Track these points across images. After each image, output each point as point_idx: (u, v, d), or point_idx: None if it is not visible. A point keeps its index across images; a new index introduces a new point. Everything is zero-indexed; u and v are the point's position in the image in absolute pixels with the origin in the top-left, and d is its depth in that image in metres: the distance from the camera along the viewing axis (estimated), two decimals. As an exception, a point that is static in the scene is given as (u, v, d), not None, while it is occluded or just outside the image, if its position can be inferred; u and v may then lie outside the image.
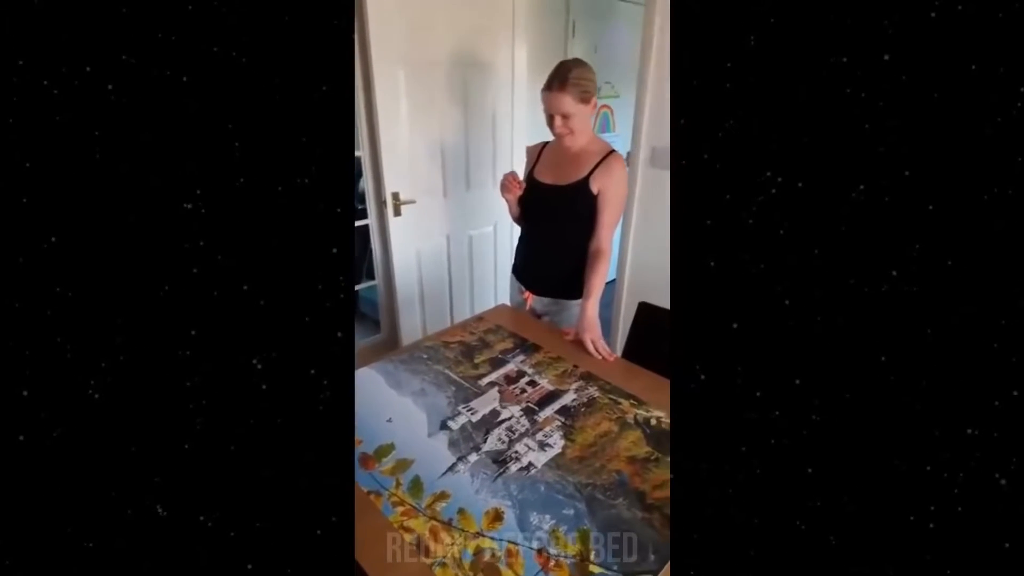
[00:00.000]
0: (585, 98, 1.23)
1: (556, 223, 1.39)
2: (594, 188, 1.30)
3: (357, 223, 2.05)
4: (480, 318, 1.45)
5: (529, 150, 1.53)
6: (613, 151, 1.32)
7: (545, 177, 1.39)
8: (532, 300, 1.50)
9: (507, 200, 1.45)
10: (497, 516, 0.80)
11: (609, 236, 1.34)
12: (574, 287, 1.39)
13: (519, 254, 1.56)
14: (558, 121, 1.26)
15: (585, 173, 1.31)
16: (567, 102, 1.22)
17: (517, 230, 2.35)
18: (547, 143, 1.46)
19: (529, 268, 1.51)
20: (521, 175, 1.45)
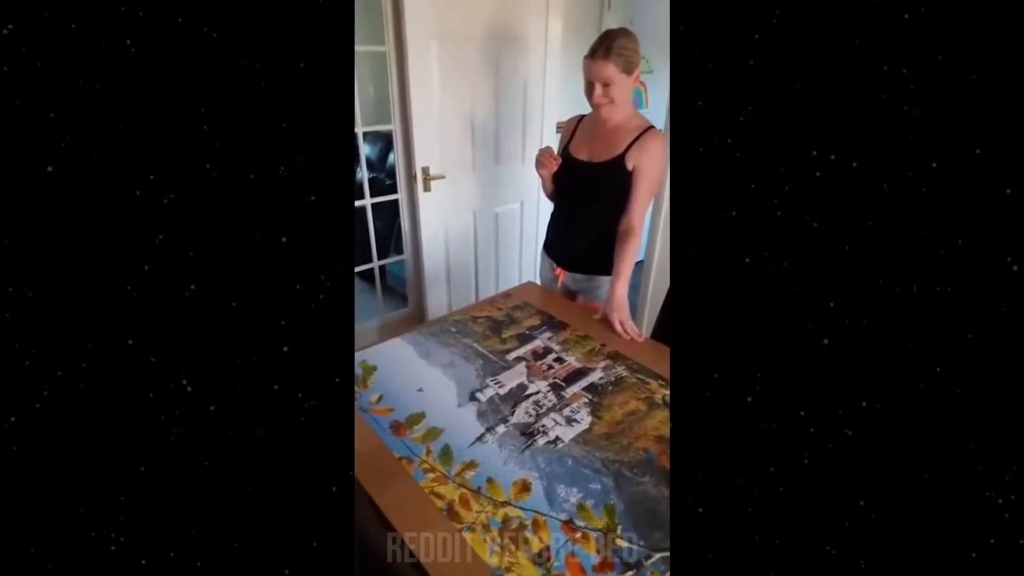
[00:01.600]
0: (628, 68, 1.21)
1: (591, 201, 1.38)
2: (629, 165, 1.28)
3: (386, 198, 2.06)
4: (507, 294, 1.46)
5: (564, 125, 1.50)
6: (652, 127, 1.29)
7: (580, 153, 1.37)
8: (564, 277, 1.50)
9: (541, 176, 1.43)
10: (525, 487, 0.81)
11: (641, 214, 1.32)
12: (608, 263, 1.37)
13: (551, 230, 1.54)
14: (598, 90, 1.22)
15: (621, 149, 1.28)
16: (610, 70, 1.19)
17: (543, 208, 2.34)
18: (582, 117, 1.43)
19: (561, 244, 1.50)
20: (555, 150, 1.43)
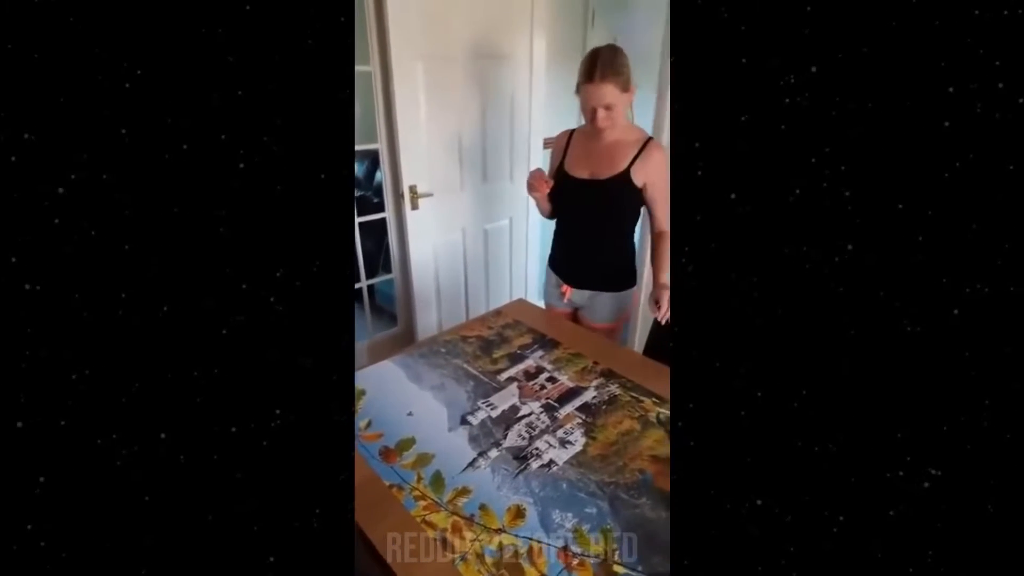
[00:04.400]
0: (625, 85, 1.20)
1: (596, 218, 1.36)
2: (638, 181, 1.27)
3: (374, 216, 2.04)
4: (498, 312, 1.44)
5: (554, 141, 1.47)
6: (651, 139, 1.29)
7: (579, 171, 1.34)
8: (570, 293, 1.48)
9: (535, 198, 1.42)
10: (519, 513, 0.79)
11: (667, 219, 1.33)
12: (613, 279, 1.39)
13: (556, 247, 1.52)
14: (601, 114, 1.20)
15: (624, 165, 1.27)
16: (610, 92, 1.17)
17: (533, 224, 2.34)
18: (572, 132, 1.42)
19: (568, 262, 1.48)
20: (546, 167, 1.42)
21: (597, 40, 2.31)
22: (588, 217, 1.38)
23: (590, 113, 1.22)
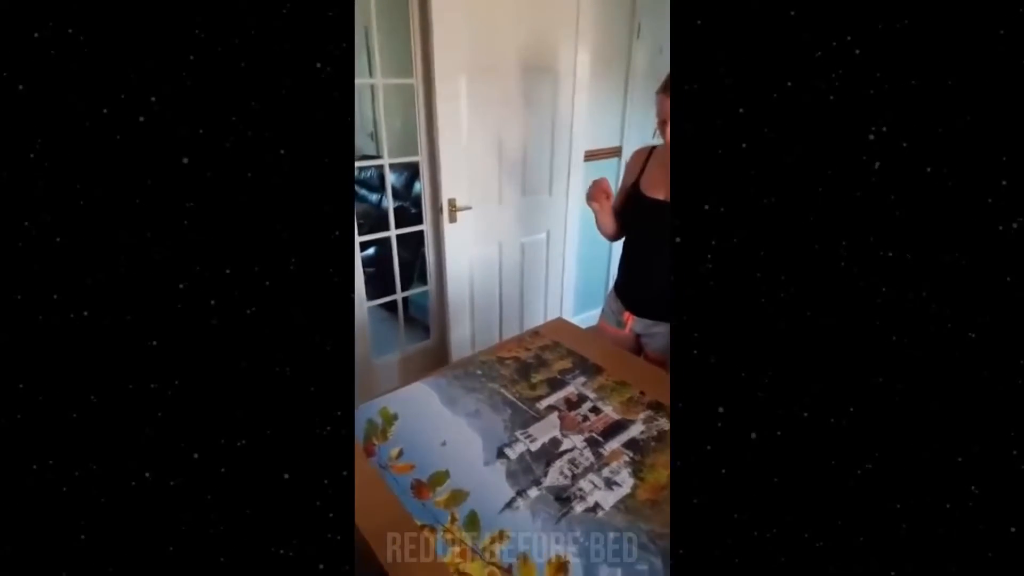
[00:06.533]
0: None
1: (667, 243, 1.28)
2: None
3: (411, 229, 2.02)
4: (536, 332, 1.38)
5: (634, 156, 1.40)
6: None
7: (655, 191, 1.27)
8: (632, 321, 1.39)
9: (593, 210, 1.34)
10: (561, 567, 0.72)
11: None
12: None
13: (622, 271, 1.43)
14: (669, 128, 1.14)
15: None
16: None
17: (570, 239, 2.28)
18: (653, 149, 1.34)
19: (634, 287, 1.40)
20: (586, 182, 1.34)
21: (643, 52, 2.24)
22: (658, 240, 1.28)
23: (661, 126, 1.16)
